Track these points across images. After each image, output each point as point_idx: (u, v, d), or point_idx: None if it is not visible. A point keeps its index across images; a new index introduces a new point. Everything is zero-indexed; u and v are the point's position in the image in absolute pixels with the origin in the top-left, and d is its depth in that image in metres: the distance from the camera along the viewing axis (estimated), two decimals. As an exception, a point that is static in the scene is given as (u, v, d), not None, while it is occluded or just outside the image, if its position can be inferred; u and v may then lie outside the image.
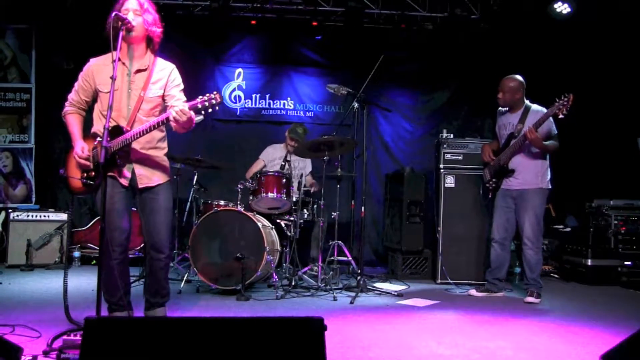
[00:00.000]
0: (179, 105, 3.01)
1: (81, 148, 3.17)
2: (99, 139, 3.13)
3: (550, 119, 4.51)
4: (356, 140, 5.07)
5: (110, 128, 3.03)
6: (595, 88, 6.58)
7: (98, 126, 3.23)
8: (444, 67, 7.06)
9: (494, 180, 4.89)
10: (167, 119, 2.98)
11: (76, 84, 3.30)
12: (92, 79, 3.23)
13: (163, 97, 3.27)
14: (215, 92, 2.93)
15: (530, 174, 4.68)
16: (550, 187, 4.74)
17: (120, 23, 3.00)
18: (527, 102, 4.79)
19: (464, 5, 6.47)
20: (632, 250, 5.78)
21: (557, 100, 4.35)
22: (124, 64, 3.18)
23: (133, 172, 3.22)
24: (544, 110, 4.59)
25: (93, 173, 3.16)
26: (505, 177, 4.78)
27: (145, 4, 3.20)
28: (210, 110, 2.94)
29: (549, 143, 4.59)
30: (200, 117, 3.28)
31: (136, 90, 3.20)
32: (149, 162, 3.28)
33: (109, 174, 3.13)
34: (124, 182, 3.20)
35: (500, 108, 4.97)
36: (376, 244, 7.09)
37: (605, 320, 3.98)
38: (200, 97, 2.95)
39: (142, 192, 3.28)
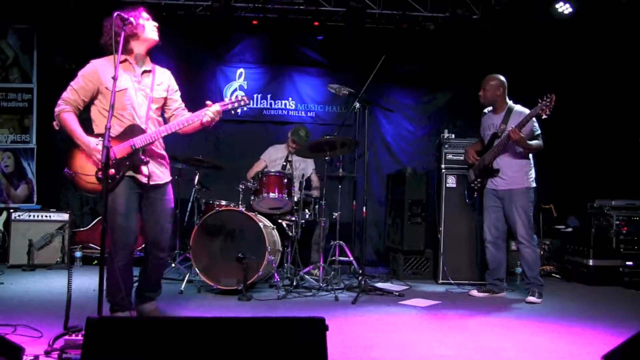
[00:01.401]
0: (214, 106, 3.27)
1: (96, 147, 3.11)
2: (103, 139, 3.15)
3: (533, 119, 4.52)
4: (358, 140, 5.07)
5: (126, 127, 3.20)
6: (597, 88, 6.58)
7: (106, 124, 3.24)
8: (446, 67, 7.05)
9: (478, 180, 4.93)
10: (201, 120, 3.25)
11: (74, 84, 3.27)
12: (98, 79, 3.24)
13: (165, 98, 3.47)
14: (243, 95, 3.14)
15: (516, 174, 4.71)
16: (535, 185, 4.76)
17: (121, 22, 3.08)
18: (510, 102, 4.82)
19: (465, 5, 6.47)
20: (634, 250, 5.77)
21: (540, 101, 4.37)
22: (131, 64, 3.33)
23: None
24: (527, 110, 4.62)
25: (113, 171, 3.10)
26: (490, 177, 4.81)
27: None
28: (239, 110, 3.37)
29: (532, 143, 4.61)
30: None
31: (144, 90, 3.34)
32: (158, 160, 3.40)
33: (127, 174, 3.16)
34: (144, 179, 3.22)
35: (484, 110, 5.01)
36: (377, 244, 7.09)
37: (607, 321, 3.97)
38: (228, 98, 3.29)
39: (150, 191, 3.30)
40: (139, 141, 3.17)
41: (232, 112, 3.31)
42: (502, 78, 4.83)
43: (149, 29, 3.30)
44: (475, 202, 5.12)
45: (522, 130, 4.49)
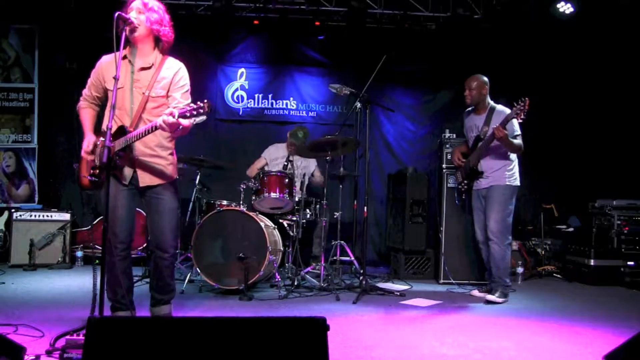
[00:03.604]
0: (167, 113, 2.91)
1: (87, 143, 3.20)
2: (102, 138, 3.15)
3: (513, 120, 4.47)
4: (359, 140, 5.07)
5: (116, 128, 3.08)
6: (599, 87, 6.58)
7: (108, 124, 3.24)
8: (447, 67, 7.05)
9: (465, 182, 4.93)
10: (156, 126, 2.95)
11: (89, 80, 3.34)
12: (102, 76, 3.25)
13: (167, 97, 3.24)
14: (206, 100, 2.83)
15: (497, 173, 4.69)
16: (518, 184, 4.73)
17: (122, 22, 3.02)
18: (491, 102, 4.81)
19: (466, 5, 6.47)
20: (635, 250, 5.77)
21: (515, 105, 4.36)
22: (130, 62, 3.22)
23: (134, 172, 3.23)
24: (507, 110, 4.59)
25: (97, 171, 3.14)
26: (476, 179, 4.82)
27: (150, 3, 3.21)
28: (197, 119, 2.86)
29: (514, 141, 4.57)
30: (203, 118, 3.24)
31: (140, 88, 3.19)
32: (152, 161, 3.27)
33: (112, 172, 3.14)
34: (124, 181, 3.22)
35: (466, 110, 5.01)
36: (379, 243, 7.09)
37: (608, 321, 3.97)
38: (191, 104, 2.87)
39: (146, 192, 3.29)
40: (117, 144, 3.06)
41: (192, 120, 2.85)
42: (485, 77, 4.82)
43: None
44: (465, 204, 5.12)
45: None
